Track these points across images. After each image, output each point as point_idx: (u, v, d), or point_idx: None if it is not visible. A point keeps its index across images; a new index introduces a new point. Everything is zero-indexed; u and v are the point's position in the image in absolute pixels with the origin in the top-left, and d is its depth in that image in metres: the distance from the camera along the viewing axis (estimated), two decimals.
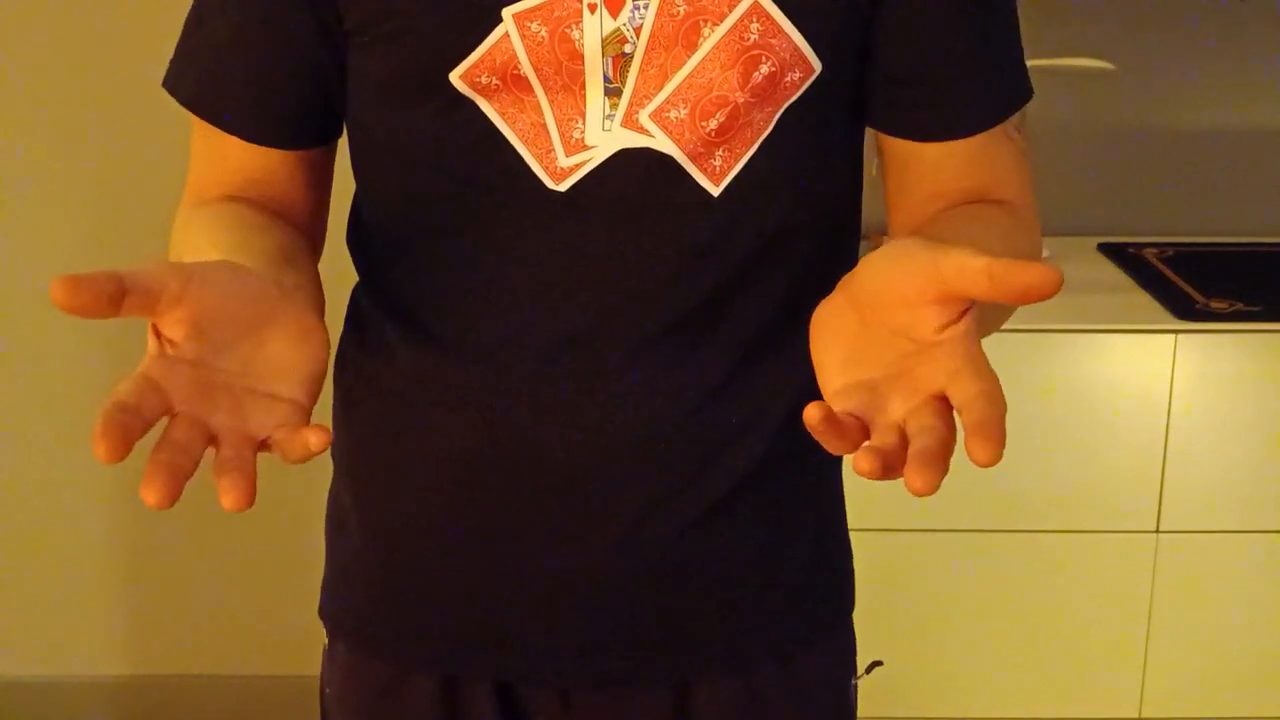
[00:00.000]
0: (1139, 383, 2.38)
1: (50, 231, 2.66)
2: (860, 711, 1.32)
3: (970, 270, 0.80)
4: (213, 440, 0.82)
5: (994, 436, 0.76)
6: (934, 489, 0.77)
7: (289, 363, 0.88)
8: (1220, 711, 2.49)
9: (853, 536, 1.30)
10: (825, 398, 0.88)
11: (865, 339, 0.87)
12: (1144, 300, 2.45)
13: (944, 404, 0.82)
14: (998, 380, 0.80)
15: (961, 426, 0.79)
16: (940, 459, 0.78)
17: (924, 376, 0.83)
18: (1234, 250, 2.71)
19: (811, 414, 0.81)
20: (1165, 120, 2.74)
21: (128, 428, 0.77)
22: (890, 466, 0.80)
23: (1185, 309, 2.40)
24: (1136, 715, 2.49)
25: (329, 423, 1.27)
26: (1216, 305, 2.41)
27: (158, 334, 0.83)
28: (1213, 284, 2.49)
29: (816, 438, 0.83)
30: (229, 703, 2.82)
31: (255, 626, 2.82)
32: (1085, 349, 2.39)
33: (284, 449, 0.84)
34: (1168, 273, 2.56)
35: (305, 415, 0.87)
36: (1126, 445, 2.40)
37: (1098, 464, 2.40)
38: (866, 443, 0.83)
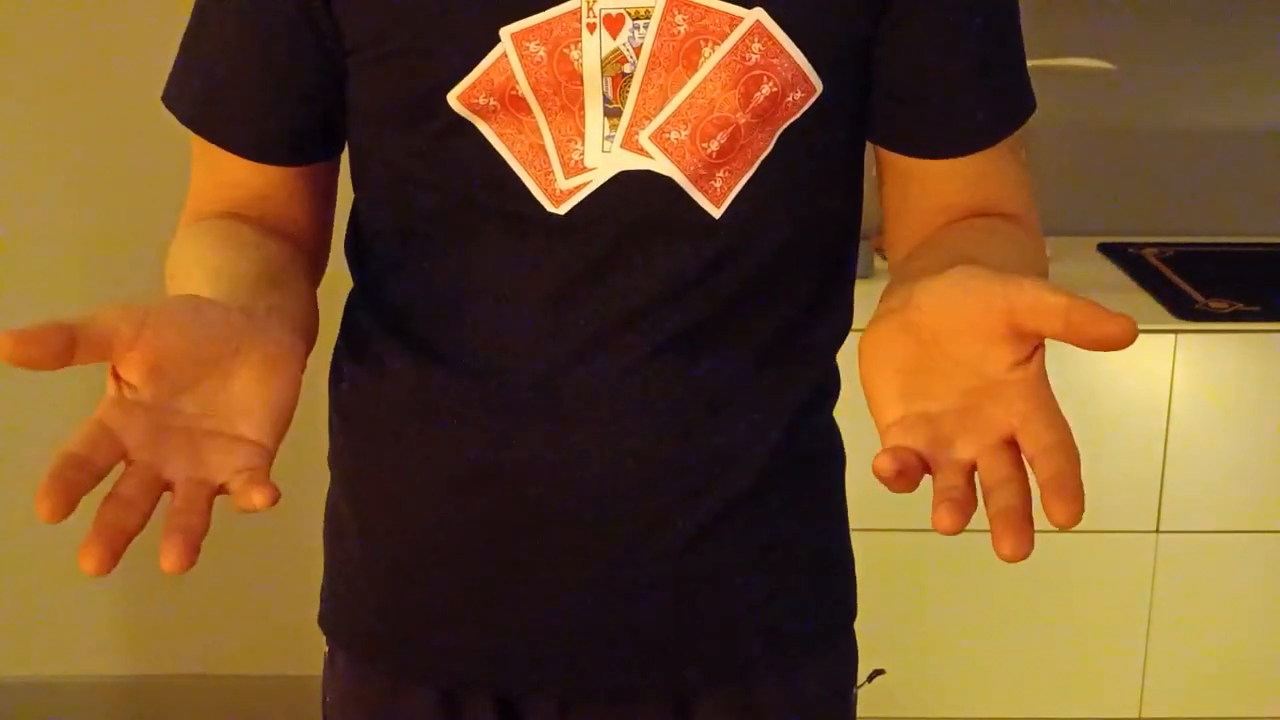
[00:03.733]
0: (1139, 383, 2.38)
1: (52, 234, 2.66)
2: (859, 712, 1.32)
3: (1047, 308, 0.76)
4: (168, 487, 0.80)
5: (1074, 495, 0.73)
6: (1027, 554, 0.73)
7: (253, 400, 0.85)
8: (1220, 711, 2.49)
9: (854, 537, 1.30)
10: (880, 428, 0.84)
11: (926, 369, 0.84)
12: (1144, 300, 2.45)
13: (1016, 451, 0.78)
14: (1069, 429, 0.77)
15: (1034, 476, 0.76)
16: (1029, 519, 0.75)
17: (994, 417, 0.80)
18: (1234, 250, 2.71)
19: (884, 467, 0.78)
20: (1165, 120, 2.74)
21: (74, 484, 0.76)
22: (965, 513, 0.76)
23: (1185, 309, 2.39)
24: (1136, 715, 2.50)
25: (326, 427, 1.27)
26: (1216, 305, 2.41)
27: (116, 377, 0.81)
28: (1213, 284, 2.49)
29: (886, 486, 0.79)
30: (229, 703, 2.83)
31: (255, 626, 2.82)
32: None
33: (236, 499, 0.82)
34: (1167, 273, 2.56)
35: (268, 456, 0.85)
36: (1126, 445, 2.39)
37: (1098, 464, 2.38)
38: (940, 488, 0.79)
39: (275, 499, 0.81)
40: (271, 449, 0.85)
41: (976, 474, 0.80)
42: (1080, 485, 0.73)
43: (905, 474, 0.79)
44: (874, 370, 0.86)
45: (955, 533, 0.75)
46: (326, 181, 1.20)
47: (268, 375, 0.86)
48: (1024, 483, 0.77)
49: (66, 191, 2.64)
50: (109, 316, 0.80)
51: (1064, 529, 0.72)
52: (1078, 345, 0.75)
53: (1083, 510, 0.72)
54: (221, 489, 0.82)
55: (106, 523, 0.76)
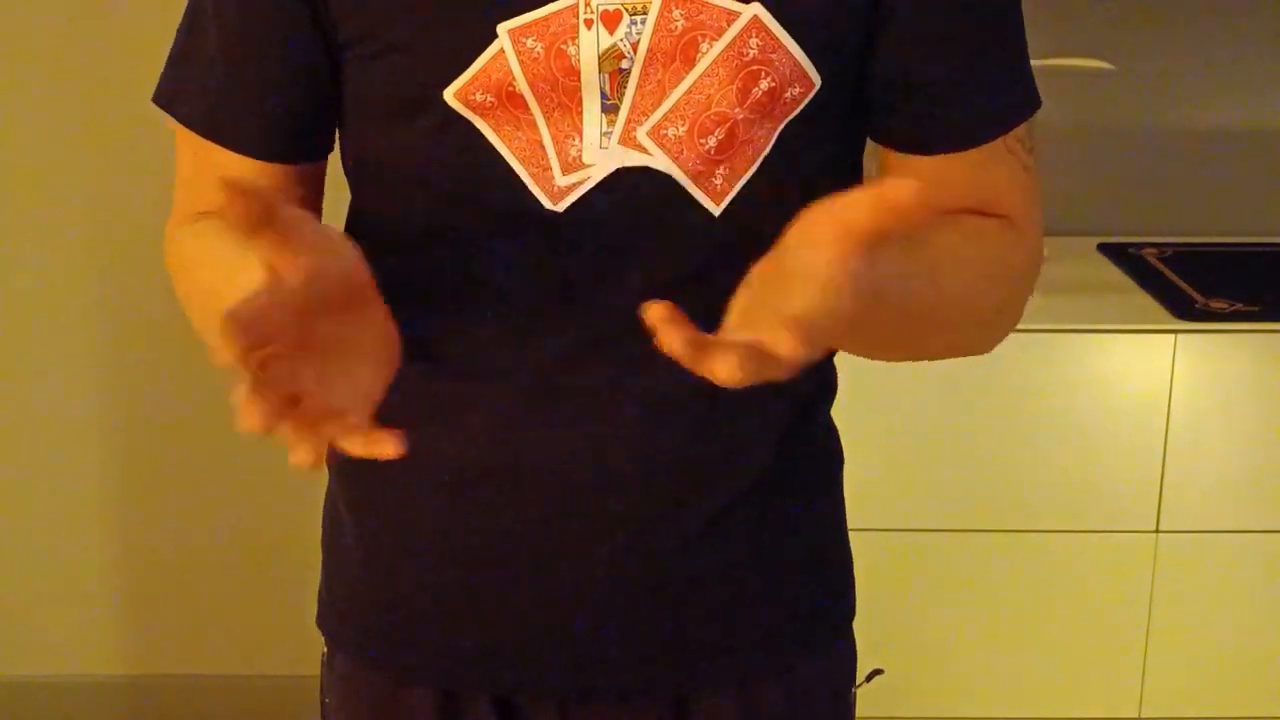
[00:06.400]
0: (1139, 383, 2.38)
1: (50, 232, 2.66)
2: (859, 712, 1.32)
3: (855, 195, 0.83)
4: (294, 399, 0.82)
5: (736, 356, 0.80)
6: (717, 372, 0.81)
7: (368, 357, 0.89)
8: (1220, 711, 2.49)
9: (852, 536, 1.30)
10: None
11: (767, 286, 0.89)
12: (1144, 300, 2.45)
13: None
14: (826, 314, 0.84)
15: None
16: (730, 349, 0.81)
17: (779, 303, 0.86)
18: (1234, 250, 2.71)
19: (652, 312, 0.85)
20: (1165, 120, 2.74)
21: (246, 331, 0.78)
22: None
23: (1185, 309, 2.39)
24: (1136, 715, 2.49)
25: None
26: (1216, 305, 2.41)
27: (270, 269, 0.84)
28: (1212, 284, 2.49)
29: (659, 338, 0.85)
30: (229, 703, 2.83)
31: (255, 626, 2.82)
32: (1085, 349, 2.38)
33: (351, 435, 0.84)
34: (1167, 273, 2.55)
35: (373, 410, 0.88)
36: (1126, 445, 2.39)
37: (1098, 464, 2.40)
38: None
39: (401, 452, 0.84)
40: (371, 408, 0.89)
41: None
42: (758, 359, 0.81)
43: (673, 324, 0.85)
44: (738, 296, 0.92)
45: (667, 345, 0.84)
46: (318, 178, 1.20)
47: (385, 335, 0.91)
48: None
49: (68, 189, 2.64)
50: (299, 212, 0.85)
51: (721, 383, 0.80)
52: (886, 219, 0.83)
53: (732, 376, 0.81)
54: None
55: (259, 391, 0.78)
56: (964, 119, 1.12)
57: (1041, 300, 1.40)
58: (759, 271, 0.91)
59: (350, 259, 0.90)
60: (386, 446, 0.84)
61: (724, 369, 0.79)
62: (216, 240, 1.10)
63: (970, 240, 1.12)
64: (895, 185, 0.81)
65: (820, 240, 0.85)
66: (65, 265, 2.67)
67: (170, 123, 1.16)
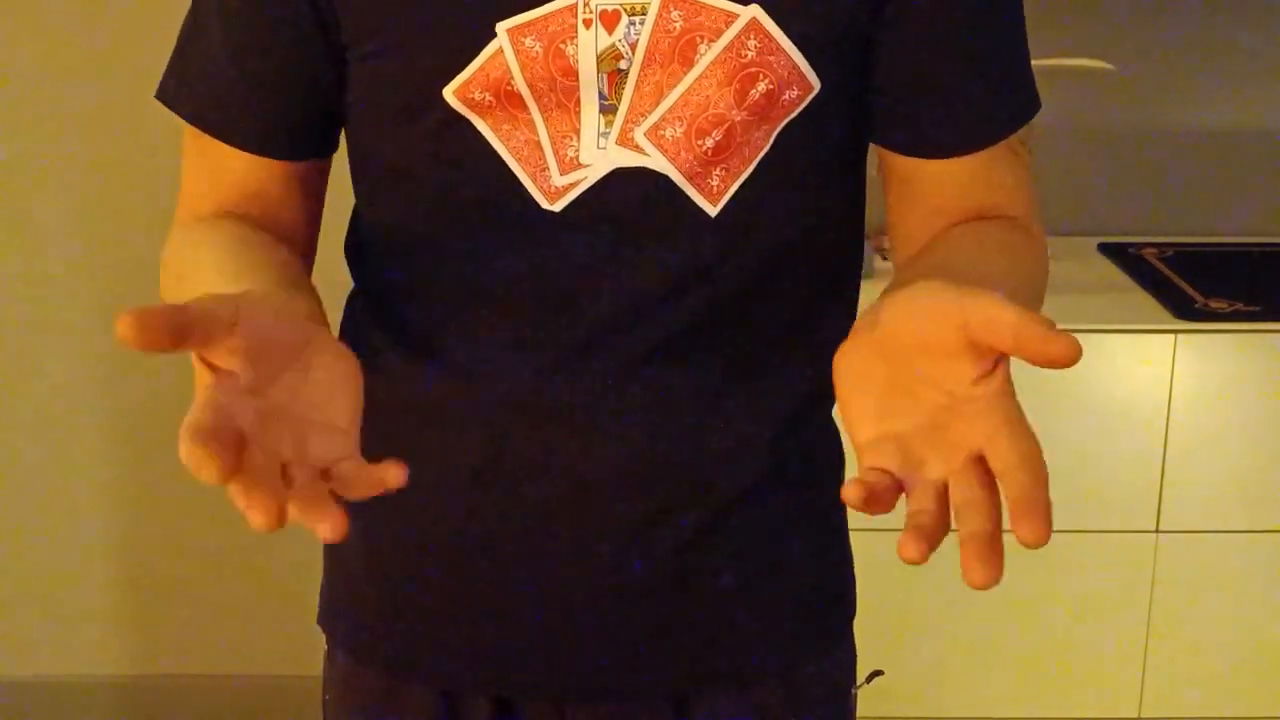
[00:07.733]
0: (1139, 383, 2.38)
1: (50, 232, 2.66)
2: (859, 711, 1.32)
3: (998, 324, 0.76)
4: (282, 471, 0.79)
5: (1040, 513, 0.72)
6: (996, 581, 0.72)
7: (333, 390, 0.85)
8: (1220, 711, 2.49)
9: (852, 536, 1.30)
10: (856, 447, 0.84)
11: (895, 388, 0.83)
12: (1144, 300, 2.45)
13: (985, 468, 0.77)
14: (1036, 442, 0.76)
15: (1004, 496, 0.75)
16: (997, 544, 0.74)
17: (960, 434, 0.79)
18: (1234, 250, 2.71)
19: (851, 496, 0.77)
20: (1165, 120, 2.74)
21: (224, 443, 0.75)
22: (933, 540, 0.75)
23: (1185, 309, 2.39)
24: (1136, 715, 2.49)
25: None
26: (1216, 305, 2.41)
27: (209, 365, 0.80)
28: (1212, 284, 2.49)
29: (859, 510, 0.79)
30: (229, 703, 2.83)
31: (255, 626, 2.82)
32: (1085, 349, 2.35)
33: (349, 483, 0.81)
34: (1167, 273, 2.55)
35: (356, 444, 0.84)
36: (1126, 445, 2.39)
37: (1098, 464, 2.40)
38: (911, 512, 0.78)
39: (405, 479, 0.81)
40: (356, 437, 0.85)
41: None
42: (1046, 503, 0.73)
43: (874, 499, 0.78)
44: (849, 390, 0.86)
45: (919, 562, 0.74)
46: (318, 181, 1.20)
47: (339, 369, 0.86)
48: (992, 503, 0.76)
49: (69, 188, 2.64)
50: (210, 302, 0.79)
51: (1030, 548, 0.72)
52: (1027, 360, 0.75)
53: (1049, 530, 0.72)
54: (323, 475, 0.81)
55: (254, 483, 0.75)
56: (971, 123, 1.12)
57: None
58: (857, 366, 0.86)
59: (287, 307, 0.87)
60: (389, 476, 0.81)
61: (985, 579, 0.72)
62: (193, 259, 1.09)
63: (1001, 255, 1.10)
64: (1063, 344, 0.73)
65: (947, 348, 0.80)
66: (66, 264, 2.67)
67: (176, 119, 1.16)
